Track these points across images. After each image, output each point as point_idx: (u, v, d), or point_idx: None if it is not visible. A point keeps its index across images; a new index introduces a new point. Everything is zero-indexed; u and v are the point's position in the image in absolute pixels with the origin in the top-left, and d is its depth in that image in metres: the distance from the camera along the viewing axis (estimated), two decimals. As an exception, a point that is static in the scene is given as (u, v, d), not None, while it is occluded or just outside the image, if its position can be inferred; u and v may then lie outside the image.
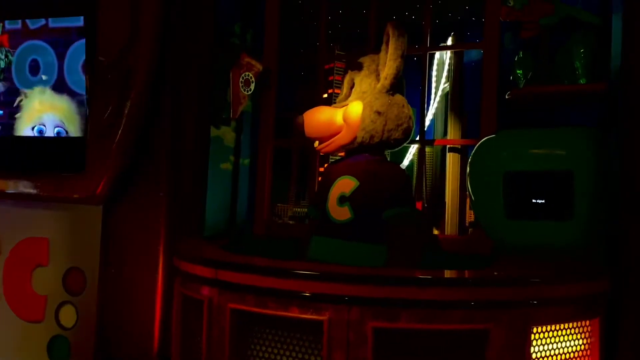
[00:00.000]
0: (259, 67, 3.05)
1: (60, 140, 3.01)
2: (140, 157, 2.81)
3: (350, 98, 2.56)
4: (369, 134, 2.42)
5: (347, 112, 2.46)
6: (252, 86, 3.03)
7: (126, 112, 2.76)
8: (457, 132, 3.25)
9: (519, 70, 2.50)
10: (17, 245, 2.97)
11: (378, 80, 2.49)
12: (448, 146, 3.26)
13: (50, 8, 2.95)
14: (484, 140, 2.53)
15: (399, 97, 2.47)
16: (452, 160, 3.21)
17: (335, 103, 2.70)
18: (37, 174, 2.94)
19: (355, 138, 2.44)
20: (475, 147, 2.54)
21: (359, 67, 2.57)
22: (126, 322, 2.78)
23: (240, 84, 2.99)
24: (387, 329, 1.78)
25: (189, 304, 2.24)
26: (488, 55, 2.71)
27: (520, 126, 2.52)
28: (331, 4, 3.22)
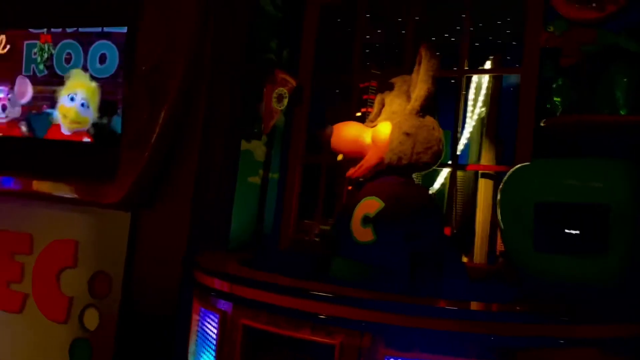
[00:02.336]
0: (293, 83, 3.06)
1: (94, 147, 3.10)
2: (170, 166, 2.85)
3: (379, 118, 2.53)
4: (396, 156, 2.38)
5: (376, 133, 2.43)
6: (285, 102, 3.04)
7: (159, 121, 2.81)
8: (491, 158, 3.16)
9: (557, 97, 2.42)
10: (47, 246, 3.05)
11: (409, 101, 2.45)
12: (480, 172, 3.17)
13: (96, 18, 3.10)
14: (517, 168, 2.44)
15: (429, 120, 2.42)
16: (484, 187, 3.11)
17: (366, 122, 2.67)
18: (71, 178, 3.03)
19: (382, 159, 2.41)
20: (507, 175, 2.45)
21: (390, 88, 2.54)
22: (146, 329, 2.80)
23: (274, 99, 3.01)
24: (399, 358, 1.72)
25: (205, 317, 2.24)
26: (526, 81, 2.64)
27: (556, 155, 2.43)
28: (369, 23, 3.22)
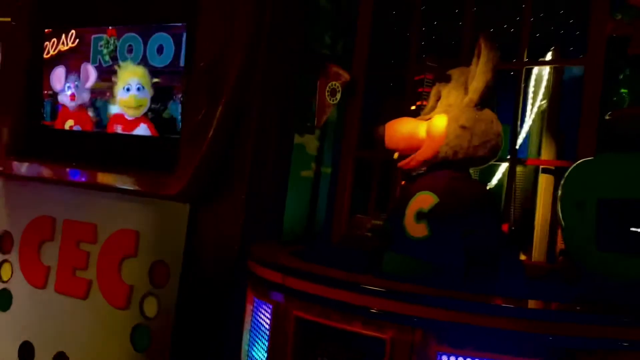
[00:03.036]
0: (346, 77, 3.06)
1: (155, 140, 3.21)
2: (226, 159, 2.91)
3: (435, 111, 2.48)
4: (452, 149, 2.33)
5: (431, 125, 2.39)
6: (338, 96, 3.04)
7: (217, 115, 2.88)
8: (552, 152, 3.05)
9: (624, 89, 2.31)
10: (111, 235, 3.18)
11: (466, 93, 2.40)
12: (541, 167, 3.07)
13: (157, 15, 3.23)
14: (579, 163, 2.35)
15: (487, 113, 2.36)
16: (544, 182, 3.01)
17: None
18: (133, 171, 3.14)
19: (437, 153, 2.37)
20: (569, 170, 2.36)
21: (447, 79, 2.49)
22: (202, 317, 2.88)
23: (327, 93, 3.01)
24: (451, 354, 1.70)
25: (259, 307, 2.28)
26: (590, 72, 2.53)
27: (621, 150, 2.31)
28: (425, 14, 3.17)
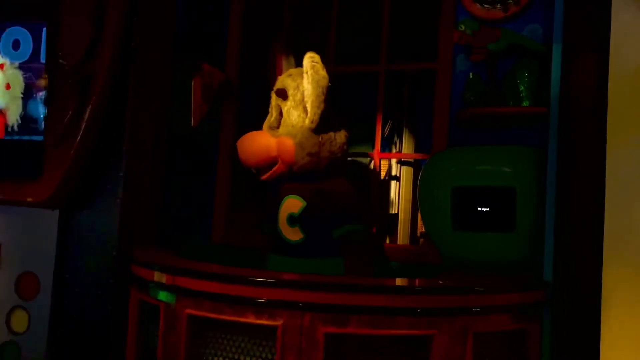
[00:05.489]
0: (220, 76, 3.10)
1: (18, 143, 3.00)
2: (99, 163, 2.82)
3: (280, 130, 2.53)
4: (304, 168, 2.45)
5: (280, 149, 2.44)
6: (214, 96, 3.07)
7: (86, 117, 2.78)
8: (411, 147, 3.38)
9: (469, 91, 2.64)
10: (-33, 249, 2.93)
11: (305, 113, 2.45)
12: (402, 160, 3.39)
13: (13, 12, 3.01)
14: (434, 156, 2.66)
15: (329, 132, 2.46)
16: (405, 173, 3.34)
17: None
18: (-9, 177, 2.92)
19: (291, 168, 2.46)
20: (426, 163, 2.67)
21: (283, 95, 2.54)
22: (80, 329, 2.78)
23: (201, 93, 3.03)
24: (337, 334, 1.87)
25: (146, 310, 2.28)
26: (441, 76, 2.85)
27: (470, 144, 2.66)
28: (293, 17, 3.32)
